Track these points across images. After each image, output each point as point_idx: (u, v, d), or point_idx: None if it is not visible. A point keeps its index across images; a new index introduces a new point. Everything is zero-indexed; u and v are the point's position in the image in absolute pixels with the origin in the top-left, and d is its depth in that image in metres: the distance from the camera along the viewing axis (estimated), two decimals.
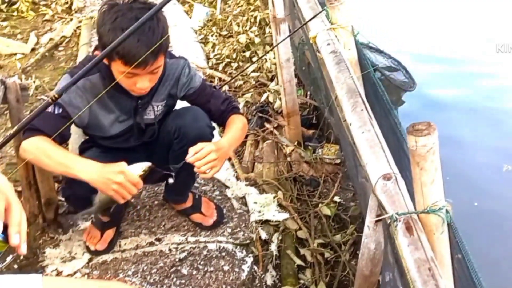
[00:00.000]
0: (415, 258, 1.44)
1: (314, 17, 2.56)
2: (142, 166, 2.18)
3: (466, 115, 4.78)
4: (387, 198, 1.64)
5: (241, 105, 4.40)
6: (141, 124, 2.58)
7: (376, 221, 1.81)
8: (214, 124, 2.67)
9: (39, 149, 2.19)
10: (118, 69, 2.19)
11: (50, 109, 2.23)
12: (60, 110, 2.30)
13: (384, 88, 2.35)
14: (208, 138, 2.57)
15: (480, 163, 4.20)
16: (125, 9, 2.14)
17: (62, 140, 2.36)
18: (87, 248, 2.89)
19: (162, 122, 2.65)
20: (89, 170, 2.15)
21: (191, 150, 2.30)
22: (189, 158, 2.28)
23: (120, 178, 2.12)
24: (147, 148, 2.71)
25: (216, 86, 4.57)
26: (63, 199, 3.10)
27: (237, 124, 2.55)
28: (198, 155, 2.27)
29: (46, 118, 2.22)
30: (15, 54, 5.43)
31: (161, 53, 2.21)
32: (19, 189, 3.14)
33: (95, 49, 2.38)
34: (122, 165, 2.16)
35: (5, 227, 1.45)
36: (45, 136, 2.23)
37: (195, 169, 2.31)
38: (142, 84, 2.25)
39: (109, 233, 2.92)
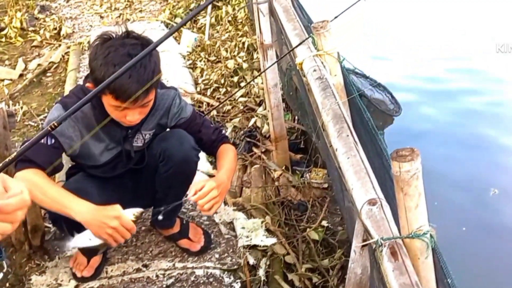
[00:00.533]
0: (400, 283, 1.45)
1: (300, 43, 2.59)
2: (133, 212, 2.21)
3: (451, 138, 4.80)
4: (372, 223, 1.65)
5: (229, 130, 4.41)
6: (131, 152, 2.59)
7: (362, 246, 1.82)
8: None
9: (34, 184, 2.18)
10: (109, 102, 2.22)
11: (44, 141, 2.27)
12: (53, 140, 2.33)
13: (370, 113, 2.38)
14: (194, 160, 2.63)
15: (467, 187, 4.21)
16: (117, 44, 2.16)
17: (54, 171, 2.37)
18: (74, 275, 2.87)
19: (148, 146, 2.67)
20: (85, 212, 2.17)
21: (192, 188, 2.33)
22: (192, 197, 2.30)
23: (115, 223, 2.15)
24: (134, 173, 2.72)
25: (204, 111, 4.60)
26: (50, 225, 3.09)
27: (229, 155, 2.61)
28: (200, 193, 2.29)
29: (38, 149, 2.23)
30: (3, 80, 5.43)
31: (152, 89, 2.24)
32: None
33: (87, 79, 2.39)
34: (117, 208, 2.19)
35: None
36: (38, 168, 2.24)
37: (198, 207, 2.34)
38: (132, 117, 2.28)
39: (96, 260, 2.90)
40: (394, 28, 6.72)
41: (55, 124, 1.48)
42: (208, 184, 2.31)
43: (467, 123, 5.01)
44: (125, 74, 2.04)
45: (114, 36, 2.21)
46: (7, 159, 1.24)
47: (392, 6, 7.16)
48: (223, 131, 2.74)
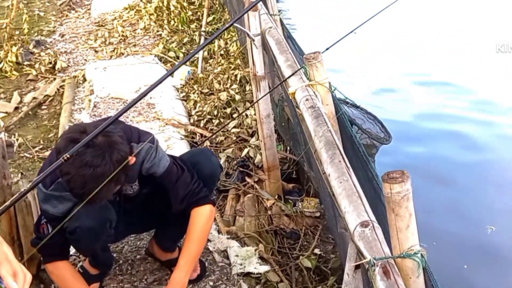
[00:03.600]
0: None
1: (293, 74, 2.68)
2: None
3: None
4: (365, 244, 1.71)
5: (222, 160, 4.47)
6: (126, 200, 2.75)
7: (355, 268, 1.88)
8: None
9: (59, 281, 2.73)
10: None
11: (44, 231, 2.59)
12: (50, 228, 2.57)
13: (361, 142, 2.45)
14: (218, 176, 3.02)
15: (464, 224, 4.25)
16: (78, 152, 2.07)
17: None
18: None
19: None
20: None
21: None
22: None
23: None
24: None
25: (198, 142, 4.66)
26: None
27: (197, 228, 2.70)
28: None
29: (48, 245, 2.42)
30: None
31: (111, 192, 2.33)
32: None
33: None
34: None
35: None
36: (62, 260, 2.69)
37: None
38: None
39: (95, 286, 2.95)
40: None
41: (68, 156, 1.59)
42: None
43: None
44: (79, 182, 2.17)
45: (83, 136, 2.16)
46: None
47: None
48: (202, 191, 2.72)
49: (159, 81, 2.04)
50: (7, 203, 1.47)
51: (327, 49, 2.62)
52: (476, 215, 4.26)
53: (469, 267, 3.75)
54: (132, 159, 2.31)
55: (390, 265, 1.62)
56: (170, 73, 2.10)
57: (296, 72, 2.70)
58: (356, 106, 2.90)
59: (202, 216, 2.72)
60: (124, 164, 2.19)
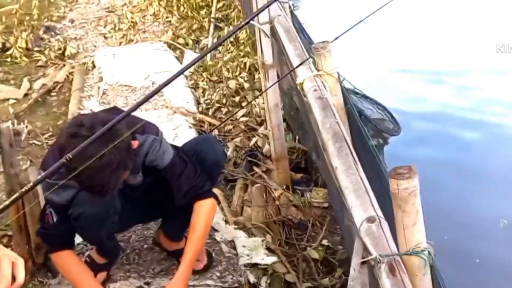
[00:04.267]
0: None
1: (301, 64, 2.64)
2: None
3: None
4: (371, 241, 1.69)
5: (230, 150, 4.45)
6: (131, 189, 2.72)
7: (362, 263, 1.85)
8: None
9: (65, 272, 2.75)
10: None
11: (49, 220, 2.57)
12: (57, 215, 2.56)
13: (371, 133, 2.42)
14: (222, 164, 2.98)
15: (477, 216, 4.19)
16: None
17: None
18: None
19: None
20: None
21: None
22: None
23: None
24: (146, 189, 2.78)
25: (206, 131, 4.64)
26: None
27: (200, 222, 2.70)
28: None
29: (54, 234, 2.60)
30: (8, 99, 5.48)
31: (123, 173, 2.28)
32: (10, 233, 3.17)
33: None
34: None
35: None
36: (68, 250, 2.68)
37: None
38: None
39: (102, 275, 2.94)
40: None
41: (70, 156, 1.60)
42: None
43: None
44: (89, 181, 2.17)
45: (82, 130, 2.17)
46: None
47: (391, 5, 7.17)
48: (205, 185, 2.72)
49: (172, 78, 2.01)
50: (13, 197, 1.46)
51: (336, 38, 2.57)
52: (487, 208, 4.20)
53: (481, 261, 3.70)
54: (134, 143, 2.32)
55: (396, 263, 1.59)
56: (184, 70, 2.06)
57: (304, 61, 2.67)
58: (365, 97, 2.86)
59: (205, 209, 2.72)
60: (128, 150, 2.22)
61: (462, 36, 6.36)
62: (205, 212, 2.72)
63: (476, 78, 5.81)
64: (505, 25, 6.30)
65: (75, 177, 2.14)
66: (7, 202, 1.44)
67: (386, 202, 2.08)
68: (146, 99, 1.98)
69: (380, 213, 1.76)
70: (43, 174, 2.33)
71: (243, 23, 2.47)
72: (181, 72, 2.05)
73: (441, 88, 5.78)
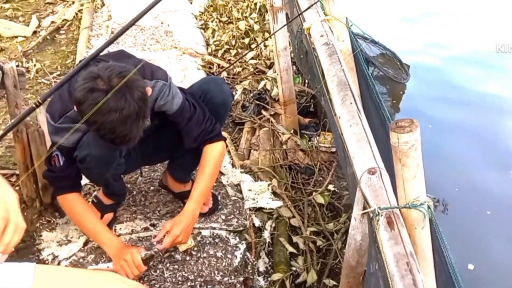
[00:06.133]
0: (394, 253, 1.48)
1: (308, 8, 2.57)
2: (144, 253, 2.64)
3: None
4: (371, 192, 1.68)
5: (239, 92, 4.41)
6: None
7: (362, 213, 1.85)
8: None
9: (71, 213, 2.77)
10: None
11: (56, 163, 2.59)
12: (63, 158, 2.57)
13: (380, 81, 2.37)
14: (230, 105, 2.97)
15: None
16: (100, 100, 2.11)
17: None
18: None
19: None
20: (111, 247, 2.65)
21: (158, 234, 2.68)
22: (158, 246, 2.66)
23: (128, 257, 2.56)
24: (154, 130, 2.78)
25: (215, 73, 4.59)
26: None
27: (209, 163, 2.73)
28: (165, 245, 2.64)
29: (60, 177, 2.62)
30: (17, 36, 5.45)
31: (141, 130, 2.26)
32: (17, 172, 3.20)
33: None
34: (135, 250, 2.60)
35: None
36: (74, 192, 2.70)
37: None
38: None
39: (109, 216, 2.98)
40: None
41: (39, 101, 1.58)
42: (172, 234, 2.62)
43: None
44: (108, 128, 2.15)
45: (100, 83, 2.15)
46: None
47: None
48: (215, 129, 2.74)
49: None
50: (14, 120, 1.46)
51: None
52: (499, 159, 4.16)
53: (492, 213, 3.69)
54: (148, 91, 2.30)
55: (395, 215, 1.58)
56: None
57: (312, 6, 2.59)
58: (374, 42, 2.79)
59: (215, 152, 2.74)
60: (145, 99, 2.21)
61: (461, 36, 6.19)
62: (215, 155, 2.74)
63: None
64: (505, 25, 6.14)
65: (96, 130, 2.16)
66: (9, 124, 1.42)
67: (390, 151, 2.06)
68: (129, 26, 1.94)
69: (381, 165, 1.74)
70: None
71: None
72: None
73: None
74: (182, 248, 2.77)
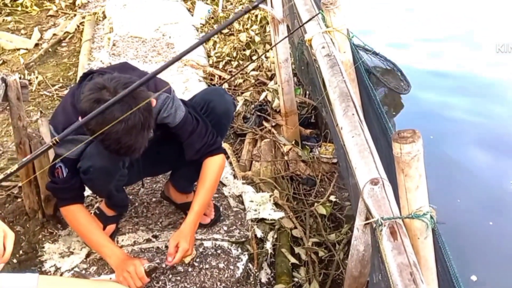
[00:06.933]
0: (397, 263, 1.48)
1: (309, 20, 2.59)
2: (148, 265, 2.64)
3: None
4: (374, 203, 1.69)
5: (240, 104, 4.43)
6: None
7: (365, 224, 1.86)
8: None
9: (74, 225, 2.76)
10: None
11: (60, 175, 2.59)
12: (66, 169, 2.58)
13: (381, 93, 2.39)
14: (232, 115, 2.99)
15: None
16: (106, 111, 2.07)
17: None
18: None
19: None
20: (114, 258, 2.65)
21: (169, 256, 2.66)
22: (169, 263, 2.68)
23: (131, 269, 2.56)
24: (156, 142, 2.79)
25: (216, 85, 4.60)
26: None
27: (209, 176, 2.75)
28: (176, 260, 2.65)
29: (64, 188, 2.63)
30: (19, 49, 5.47)
31: (146, 140, 2.28)
32: (20, 184, 3.21)
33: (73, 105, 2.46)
34: (138, 262, 2.60)
35: None
36: (77, 204, 2.71)
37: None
38: None
39: (111, 228, 2.99)
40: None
41: (57, 139, 1.62)
42: (182, 249, 2.63)
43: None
44: (113, 139, 2.18)
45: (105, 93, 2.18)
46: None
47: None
48: (216, 142, 2.77)
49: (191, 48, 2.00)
50: (28, 157, 1.48)
51: None
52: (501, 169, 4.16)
53: (494, 224, 3.68)
54: (153, 102, 2.33)
55: (397, 226, 1.59)
56: (201, 43, 2.03)
57: (313, 17, 2.61)
58: (375, 53, 2.81)
59: (215, 165, 2.77)
60: (150, 110, 2.24)
61: (461, 36, 6.22)
62: (215, 168, 2.77)
63: None
64: (505, 25, 6.17)
65: (101, 141, 2.18)
66: (24, 161, 1.44)
67: (392, 161, 2.07)
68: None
69: (383, 175, 1.75)
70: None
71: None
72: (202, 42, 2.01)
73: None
74: (187, 259, 2.78)
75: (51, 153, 2.93)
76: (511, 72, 5.34)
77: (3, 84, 2.77)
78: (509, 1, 6.70)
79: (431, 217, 1.61)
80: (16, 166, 1.45)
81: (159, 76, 2.28)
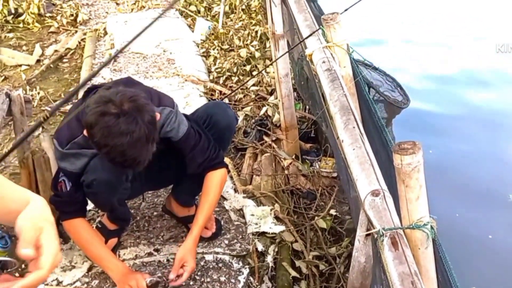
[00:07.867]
0: (399, 272, 1.50)
1: (310, 35, 2.63)
2: (150, 279, 2.65)
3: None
4: (375, 214, 1.71)
5: (240, 118, 4.46)
6: None
7: (366, 235, 1.88)
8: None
9: (76, 238, 2.78)
10: None
11: (63, 188, 2.61)
12: (70, 183, 2.60)
13: (380, 106, 2.42)
14: (234, 129, 3.05)
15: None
16: (112, 123, 2.17)
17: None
18: None
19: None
20: (116, 272, 2.68)
21: (173, 272, 2.68)
22: (175, 284, 2.69)
23: (132, 283, 2.59)
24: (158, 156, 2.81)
25: (217, 100, 4.64)
26: None
27: (212, 190, 2.79)
28: (183, 279, 2.67)
29: (67, 202, 2.65)
30: (20, 65, 5.52)
31: (150, 153, 2.31)
32: None
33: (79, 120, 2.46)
34: (139, 276, 2.63)
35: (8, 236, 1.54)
36: (79, 218, 2.72)
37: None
38: None
39: (113, 241, 2.99)
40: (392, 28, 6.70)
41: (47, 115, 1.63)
42: (190, 268, 2.67)
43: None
44: (118, 151, 2.20)
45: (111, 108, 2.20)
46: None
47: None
48: (219, 156, 2.80)
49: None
50: (19, 137, 1.46)
51: (346, 10, 2.56)
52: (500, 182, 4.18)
53: (493, 237, 3.70)
54: (157, 115, 2.36)
55: (399, 236, 1.61)
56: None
57: (313, 33, 2.65)
58: (375, 68, 2.85)
59: (217, 179, 2.80)
60: (154, 123, 2.28)
61: (461, 36, 6.28)
62: (217, 181, 2.80)
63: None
64: (505, 25, 6.23)
65: (106, 154, 2.20)
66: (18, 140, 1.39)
67: (393, 172, 2.10)
68: None
69: (384, 187, 1.78)
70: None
71: None
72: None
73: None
74: None
75: (54, 167, 2.96)
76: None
77: (7, 99, 2.80)
78: (509, 1, 6.73)
79: (432, 228, 1.64)
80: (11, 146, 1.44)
81: (161, 91, 2.33)
